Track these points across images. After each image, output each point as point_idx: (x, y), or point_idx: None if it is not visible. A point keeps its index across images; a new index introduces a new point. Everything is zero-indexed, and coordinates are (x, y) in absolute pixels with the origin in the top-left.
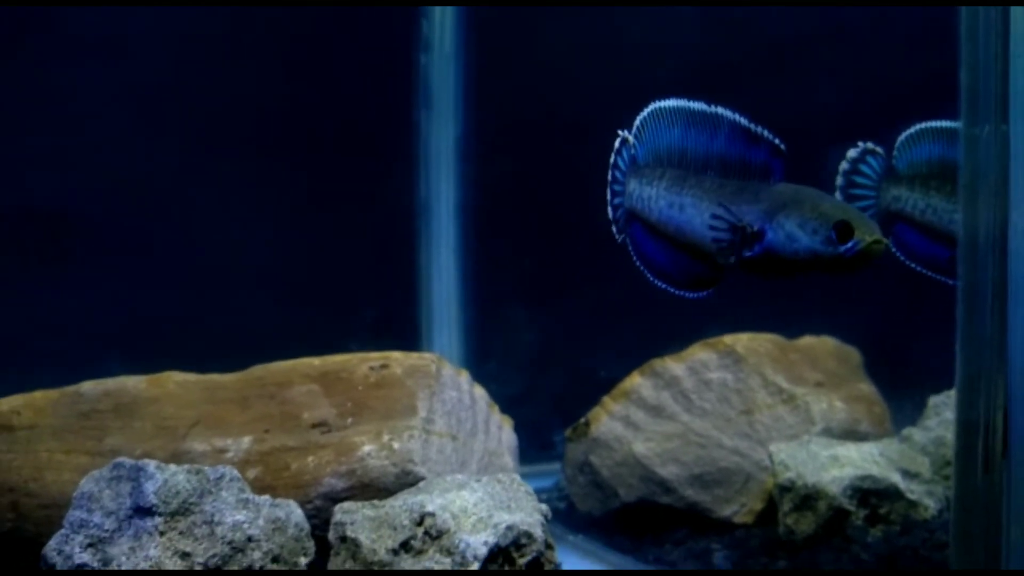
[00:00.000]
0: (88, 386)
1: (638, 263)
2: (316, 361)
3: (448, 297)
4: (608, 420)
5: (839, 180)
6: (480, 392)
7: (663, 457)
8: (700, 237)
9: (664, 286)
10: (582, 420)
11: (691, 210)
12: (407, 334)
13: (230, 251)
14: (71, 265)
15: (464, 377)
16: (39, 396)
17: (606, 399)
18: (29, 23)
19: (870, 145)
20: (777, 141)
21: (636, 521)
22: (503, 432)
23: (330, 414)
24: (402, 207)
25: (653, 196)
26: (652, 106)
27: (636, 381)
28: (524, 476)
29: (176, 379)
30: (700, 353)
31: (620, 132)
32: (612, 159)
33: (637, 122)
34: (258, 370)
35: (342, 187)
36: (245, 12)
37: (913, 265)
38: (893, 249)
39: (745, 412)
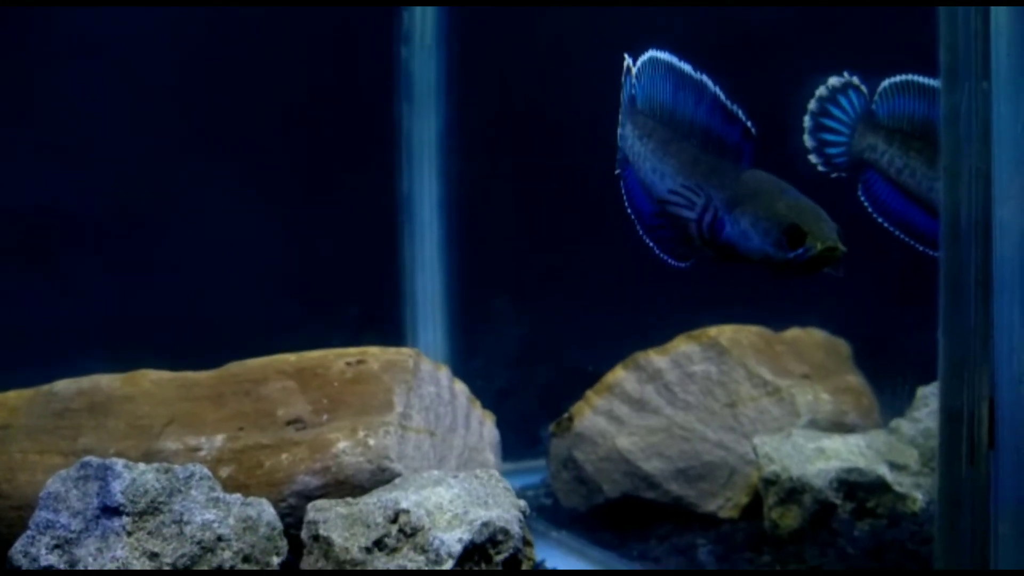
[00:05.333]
0: (62, 385)
1: (629, 211)
2: (292, 357)
3: (433, 292)
4: (591, 415)
5: (812, 105)
6: (461, 387)
7: (647, 451)
8: None
9: (651, 244)
10: (565, 415)
11: (670, 181)
12: (392, 330)
13: (211, 247)
14: (47, 262)
15: (443, 372)
16: (13, 396)
17: (589, 393)
18: (9, 24)
19: (855, 80)
20: (749, 124)
21: (620, 516)
22: (484, 428)
23: (305, 411)
24: (385, 202)
25: (641, 154)
26: (649, 54)
27: (619, 375)
28: (512, 472)
29: (151, 377)
30: (683, 346)
31: (626, 57)
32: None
33: (637, 65)
34: (234, 367)
35: (324, 182)
36: (224, 8)
37: (881, 220)
38: (861, 197)
39: (729, 405)
